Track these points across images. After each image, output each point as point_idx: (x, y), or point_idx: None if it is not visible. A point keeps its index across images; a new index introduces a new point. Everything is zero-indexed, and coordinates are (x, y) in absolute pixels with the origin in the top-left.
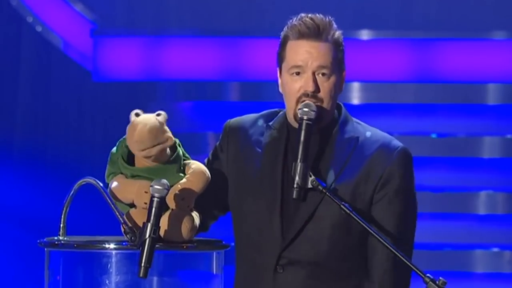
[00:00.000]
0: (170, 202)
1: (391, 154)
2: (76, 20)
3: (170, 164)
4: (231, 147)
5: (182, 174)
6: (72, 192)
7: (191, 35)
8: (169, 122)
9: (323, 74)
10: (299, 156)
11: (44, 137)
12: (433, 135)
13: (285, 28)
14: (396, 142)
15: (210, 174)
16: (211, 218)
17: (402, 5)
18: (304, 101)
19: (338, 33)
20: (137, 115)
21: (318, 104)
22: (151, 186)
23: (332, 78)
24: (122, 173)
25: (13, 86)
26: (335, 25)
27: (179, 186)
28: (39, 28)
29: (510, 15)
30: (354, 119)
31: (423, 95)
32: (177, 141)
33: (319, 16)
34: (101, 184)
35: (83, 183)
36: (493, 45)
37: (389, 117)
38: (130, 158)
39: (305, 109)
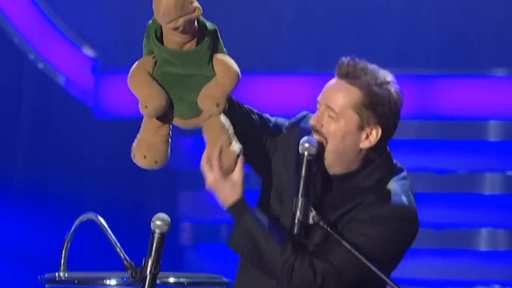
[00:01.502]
0: (205, 106)
1: (382, 203)
2: (77, 57)
3: (198, 52)
4: (288, 139)
5: (210, 66)
6: (73, 228)
7: None
8: (170, 158)
9: (329, 115)
10: (300, 192)
11: (45, 173)
12: (434, 172)
13: None
14: (399, 198)
15: (268, 136)
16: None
17: (403, 41)
18: (313, 134)
19: (381, 87)
20: None
21: (322, 141)
22: (152, 221)
23: (342, 123)
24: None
25: (14, 122)
26: (381, 78)
27: (209, 89)
28: (40, 65)
29: (510, 51)
30: (395, 168)
31: (424, 131)
32: (213, 27)
33: (364, 62)
34: (102, 220)
35: (84, 219)
36: (494, 81)
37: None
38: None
39: (306, 145)
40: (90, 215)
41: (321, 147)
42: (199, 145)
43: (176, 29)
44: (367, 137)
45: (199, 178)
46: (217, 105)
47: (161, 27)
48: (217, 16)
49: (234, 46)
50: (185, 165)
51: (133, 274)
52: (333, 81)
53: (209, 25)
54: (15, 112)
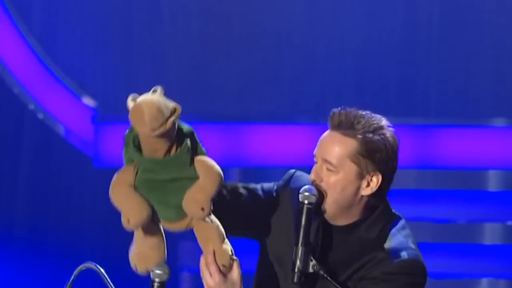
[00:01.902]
0: (190, 212)
1: (389, 260)
2: (77, 106)
3: (179, 157)
4: (281, 199)
5: (192, 169)
6: (72, 277)
7: (192, 120)
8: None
9: (327, 169)
10: (300, 240)
11: (45, 222)
12: (434, 221)
13: None
14: (408, 252)
15: (257, 203)
16: (234, 228)
17: (402, 91)
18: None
19: (375, 134)
20: (133, 99)
21: (322, 193)
22: (151, 271)
23: (341, 175)
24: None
25: (14, 171)
26: (375, 126)
27: (193, 194)
28: (40, 116)
29: (510, 102)
30: (395, 219)
31: (424, 181)
32: (189, 129)
33: (357, 111)
34: (102, 270)
35: (84, 268)
36: (493, 132)
37: (390, 203)
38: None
39: (306, 193)
40: (89, 265)
41: (321, 196)
42: None
43: (163, 135)
44: (368, 184)
45: None
46: (202, 209)
47: (138, 136)
48: (216, 65)
49: (233, 95)
50: None
51: None
52: (327, 133)
53: (185, 128)
54: (15, 162)
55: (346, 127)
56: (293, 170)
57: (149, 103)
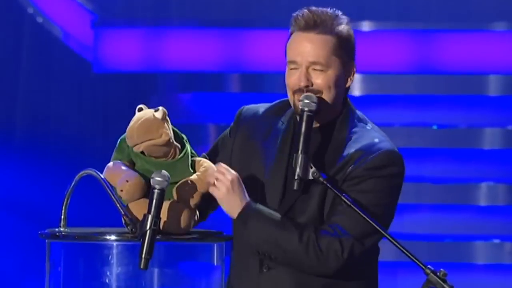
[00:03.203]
0: (177, 195)
1: (366, 157)
2: (76, 11)
3: (179, 160)
4: (238, 136)
5: (192, 171)
6: (73, 184)
7: (192, 26)
8: (169, 113)
9: (314, 70)
10: (300, 148)
11: (45, 128)
12: (434, 127)
13: (291, 21)
14: (383, 145)
15: (215, 160)
16: (210, 207)
17: None
18: (300, 94)
19: (343, 26)
20: (139, 110)
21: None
22: (151, 177)
23: (330, 72)
24: (126, 161)
25: (14, 77)
26: (340, 18)
27: (188, 181)
28: (39, 19)
29: (510, 6)
30: (359, 114)
31: (423, 86)
32: (185, 137)
33: (321, 9)
34: (102, 176)
35: (84, 174)
36: (494, 36)
37: (390, 108)
38: None
39: (306, 101)
40: (89, 171)
41: (320, 102)
42: (198, 101)
43: (140, 152)
44: (349, 75)
45: (199, 132)
46: (193, 197)
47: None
48: None
49: (233, 1)
50: (184, 120)
51: (133, 230)
52: (301, 37)
53: (183, 134)
54: (14, 66)
55: (320, 26)
56: (240, 108)
57: (136, 121)
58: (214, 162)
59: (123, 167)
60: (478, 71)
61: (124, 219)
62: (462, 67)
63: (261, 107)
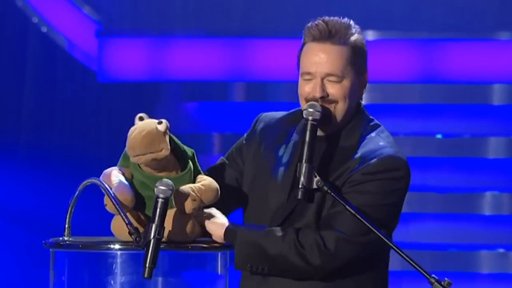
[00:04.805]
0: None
1: (367, 162)
2: (81, 20)
3: (180, 176)
4: (253, 143)
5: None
6: (77, 193)
7: (197, 35)
8: (174, 122)
9: (330, 81)
10: (304, 157)
11: (49, 137)
12: (438, 136)
13: (304, 31)
14: (385, 150)
15: (230, 166)
16: (228, 210)
17: (408, 5)
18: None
19: (356, 36)
20: (141, 119)
21: (327, 106)
22: (156, 186)
23: (345, 82)
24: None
25: (18, 86)
26: (353, 28)
27: (190, 189)
28: (44, 29)
29: None
30: (373, 123)
31: (428, 95)
32: (193, 152)
33: (335, 18)
34: (106, 185)
35: (88, 183)
36: (498, 45)
37: (395, 117)
38: None
39: (310, 110)
40: (93, 180)
41: (327, 111)
42: (203, 110)
43: (140, 163)
44: (364, 83)
45: (204, 142)
46: (194, 200)
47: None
48: None
49: (238, 10)
50: (189, 130)
51: (137, 239)
52: (316, 48)
53: (187, 149)
54: (19, 76)
55: (335, 36)
56: (259, 115)
57: (139, 131)
58: (223, 174)
59: (114, 178)
60: (482, 81)
61: (128, 228)
62: (466, 77)
63: (278, 114)
